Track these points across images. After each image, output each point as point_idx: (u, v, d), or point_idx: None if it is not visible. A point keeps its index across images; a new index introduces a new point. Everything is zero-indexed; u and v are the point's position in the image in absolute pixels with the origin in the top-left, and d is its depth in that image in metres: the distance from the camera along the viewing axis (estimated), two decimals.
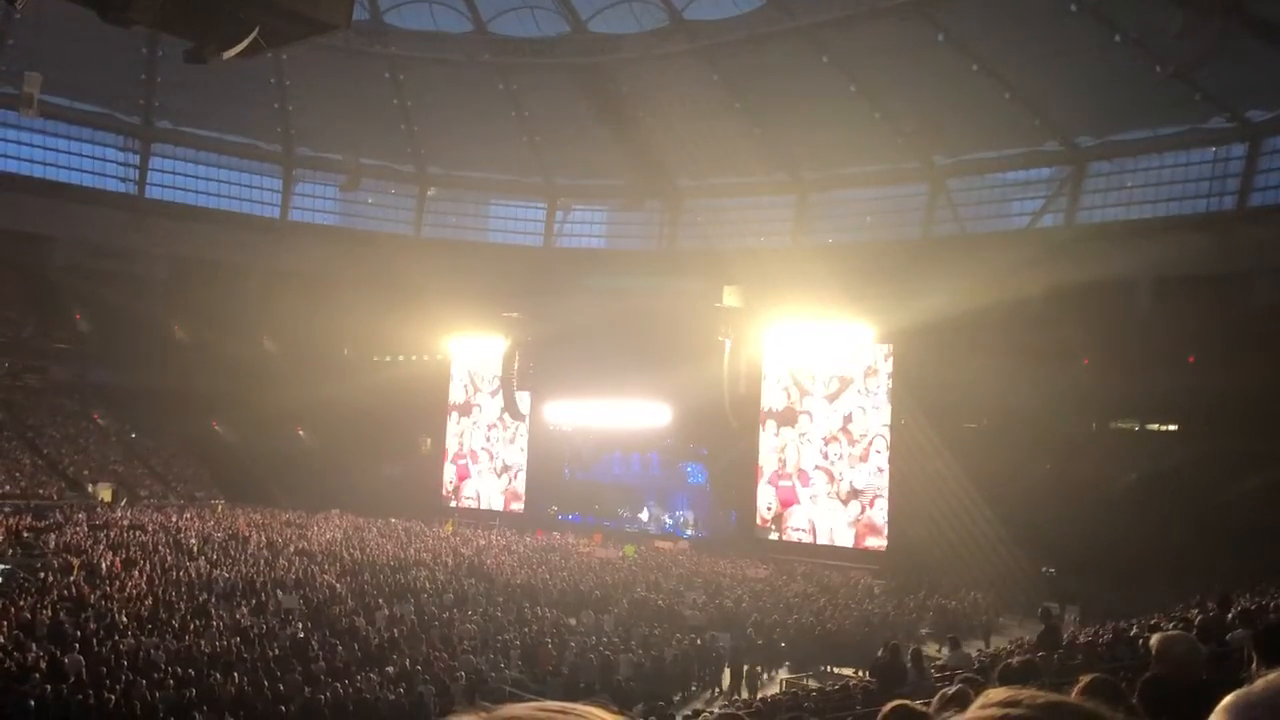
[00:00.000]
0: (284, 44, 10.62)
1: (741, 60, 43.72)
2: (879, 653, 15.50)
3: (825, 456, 39.05)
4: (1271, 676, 1.05)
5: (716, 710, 16.05)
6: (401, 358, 52.23)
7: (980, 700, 1.08)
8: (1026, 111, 41.43)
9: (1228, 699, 1.06)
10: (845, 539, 38.00)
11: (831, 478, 38.76)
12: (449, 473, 50.92)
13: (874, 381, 38.57)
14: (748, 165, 47.74)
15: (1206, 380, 34.84)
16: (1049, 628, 14.00)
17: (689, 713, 17.24)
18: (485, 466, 49.93)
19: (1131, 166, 43.19)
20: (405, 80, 49.47)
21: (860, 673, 20.09)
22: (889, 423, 37.89)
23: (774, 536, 39.69)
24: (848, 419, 38.78)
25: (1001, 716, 1.03)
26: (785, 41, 41.70)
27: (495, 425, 49.50)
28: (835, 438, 38.93)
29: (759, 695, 19.03)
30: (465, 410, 50.97)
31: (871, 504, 37.57)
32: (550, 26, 47.01)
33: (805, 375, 40.03)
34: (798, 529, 39.21)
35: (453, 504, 49.67)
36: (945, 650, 18.76)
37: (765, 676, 22.52)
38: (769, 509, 40.16)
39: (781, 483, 40.00)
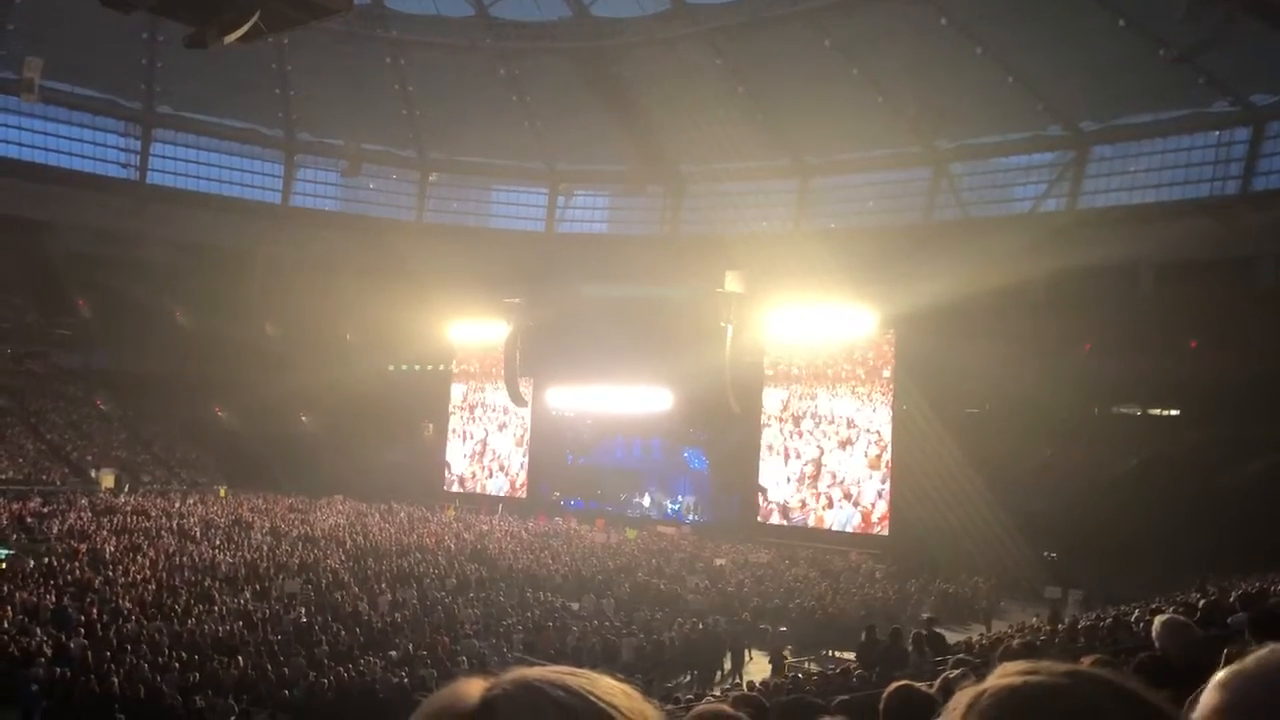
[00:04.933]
0: (285, 29, 10.61)
1: (744, 44, 43.61)
2: (862, 636, 15.44)
3: (824, 442, 39.08)
4: (1263, 652, 1.07)
5: (718, 693, 16.09)
6: (405, 367, 52.69)
7: (1000, 670, 1.11)
8: (1029, 95, 41.32)
9: (1220, 674, 1.08)
10: (846, 523, 38.05)
11: (826, 462, 38.82)
12: (451, 457, 50.97)
13: (875, 366, 38.56)
14: (750, 150, 47.57)
15: (1208, 365, 34.84)
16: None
17: (690, 696, 17.30)
18: (487, 452, 49.97)
19: (1134, 151, 43.12)
20: (406, 65, 49.35)
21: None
22: (890, 408, 37.89)
23: (775, 516, 39.77)
24: (849, 404, 38.78)
25: (1021, 683, 1.06)
26: (788, 25, 41.58)
27: (496, 410, 49.50)
28: (836, 422, 38.95)
29: (760, 679, 19.08)
30: (466, 395, 50.99)
31: (879, 481, 37.63)
32: (551, 10, 46.94)
33: (806, 360, 40.03)
34: (799, 511, 39.31)
35: (455, 489, 49.75)
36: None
37: (751, 659, 22.59)
38: (768, 492, 40.25)
39: (786, 470, 40.09)
